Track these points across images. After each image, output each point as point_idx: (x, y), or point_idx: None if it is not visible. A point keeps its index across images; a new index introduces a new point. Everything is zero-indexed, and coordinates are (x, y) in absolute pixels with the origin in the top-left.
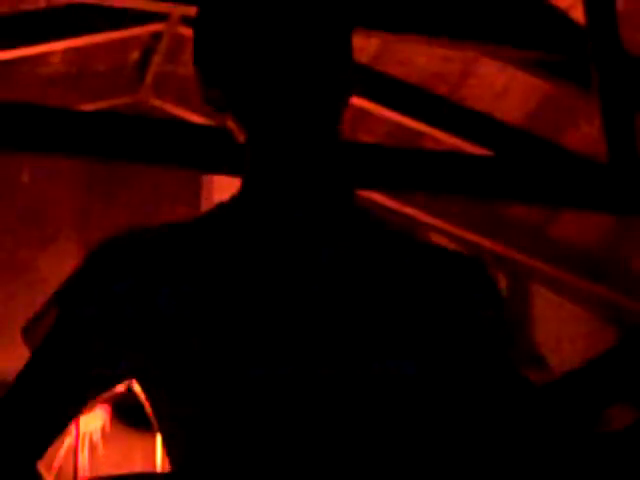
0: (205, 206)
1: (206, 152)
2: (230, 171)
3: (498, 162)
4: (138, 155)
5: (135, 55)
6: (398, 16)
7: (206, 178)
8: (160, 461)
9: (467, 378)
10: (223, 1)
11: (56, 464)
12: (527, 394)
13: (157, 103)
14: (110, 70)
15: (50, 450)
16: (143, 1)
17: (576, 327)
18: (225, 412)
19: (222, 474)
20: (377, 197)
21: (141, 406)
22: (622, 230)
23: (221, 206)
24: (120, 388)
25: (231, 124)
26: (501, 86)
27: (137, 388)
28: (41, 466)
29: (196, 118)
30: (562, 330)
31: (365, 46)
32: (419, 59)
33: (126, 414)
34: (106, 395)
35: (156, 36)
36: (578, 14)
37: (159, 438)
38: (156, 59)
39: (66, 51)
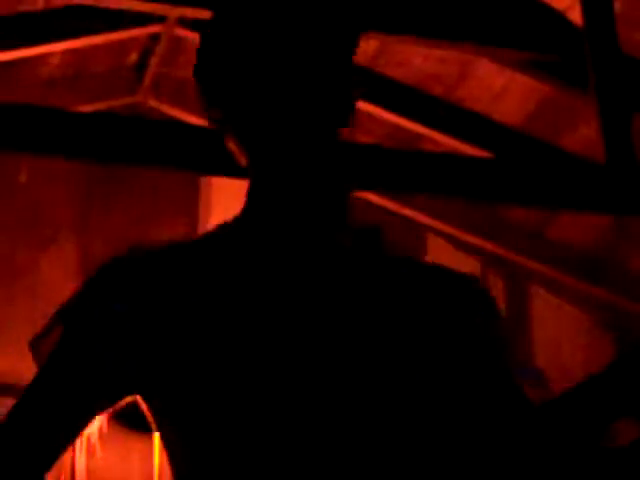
0: (203, 208)
1: (204, 154)
2: (228, 173)
3: (496, 164)
4: (136, 157)
5: (133, 57)
6: (396, 18)
7: (204, 180)
8: (157, 462)
9: (466, 400)
10: (228, 23)
11: (54, 467)
12: (528, 413)
13: (155, 104)
14: (108, 71)
15: None
16: (141, 3)
17: (575, 328)
18: (227, 427)
19: None
20: (376, 199)
21: (138, 407)
22: (620, 231)
23: (223, 227)
24: (124, 403)
25: (232, 147)
26: (499, 87)
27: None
28: None
29: (194, 119)
30: (561, 331)
31: (363, 48)
32: (417, 60)
33: (123, 416)
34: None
35: (154, 38)
36: (576, 15)
37: (156, 440)
38: (154, 61)
39: (64, 52)
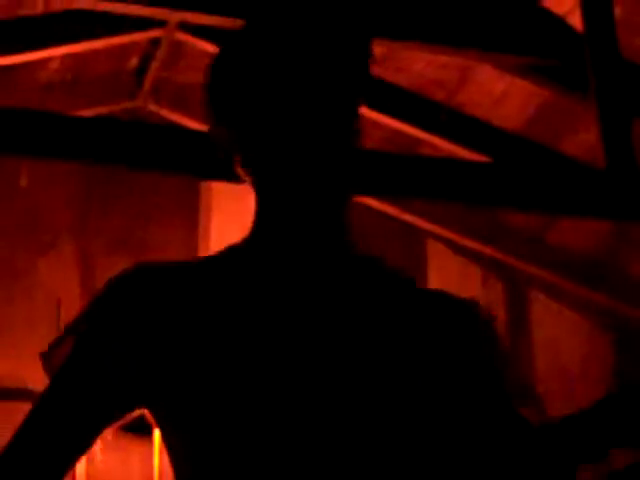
0: (203, 211)
1: (204, 158)
2: (228, 178)
3: (496, 169)
4: (136, 161)
5: (133, 61)
6: (397, 23)
7: (205, 184)
8: (157, 465)
9: (463, 423)
10: (241, 46)
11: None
12: (526, 436)
13: (155, 109)
14: (108, 76)
15: None
16: (141, 7)
17: (574, 333)
18: (233, 434)
19: None
20: (375, 204)
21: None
22: (620, 236)
23: (232, 249)
24: (133, 415)
25: (238, 169)
26: (499, 92)
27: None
28: None
29: (194, 124)
30: (560, 336)
31: None
32: (417, 66)
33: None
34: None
35: (154, 42)
36: (576, 20)
37: (156, 443)
38: (154, 65)
39: (64, 57)
